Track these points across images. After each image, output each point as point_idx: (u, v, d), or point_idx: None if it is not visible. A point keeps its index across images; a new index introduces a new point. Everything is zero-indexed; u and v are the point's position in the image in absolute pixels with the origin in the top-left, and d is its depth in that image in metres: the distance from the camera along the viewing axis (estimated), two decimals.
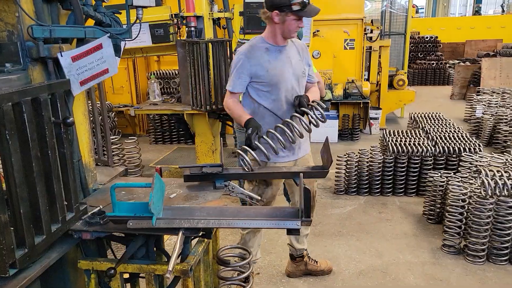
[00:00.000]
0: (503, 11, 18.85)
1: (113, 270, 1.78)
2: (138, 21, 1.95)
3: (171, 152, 6.73)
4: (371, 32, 7.08)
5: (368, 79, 7.58)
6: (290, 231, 1.86)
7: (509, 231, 3.34)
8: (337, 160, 4.86)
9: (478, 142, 4.76)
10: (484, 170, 3.48)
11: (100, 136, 2.67)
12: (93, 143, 2.42)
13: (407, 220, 4.21)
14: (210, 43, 4.23)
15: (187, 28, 4.41)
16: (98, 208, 1.87)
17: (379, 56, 7.49)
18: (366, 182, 4.81)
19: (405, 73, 8.10)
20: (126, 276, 2.26)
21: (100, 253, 2.03)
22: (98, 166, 2.63)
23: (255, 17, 4.27)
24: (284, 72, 2.60)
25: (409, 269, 3.33)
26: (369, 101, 6.87)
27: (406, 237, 3.84)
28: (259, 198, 2.31)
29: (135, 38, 1.97)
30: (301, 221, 1.82)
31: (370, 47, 7.38)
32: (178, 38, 4.70)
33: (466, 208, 3.52)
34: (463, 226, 3.54)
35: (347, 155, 4.84)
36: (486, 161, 4.10)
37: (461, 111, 8.54)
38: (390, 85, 8.07)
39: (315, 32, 6.74)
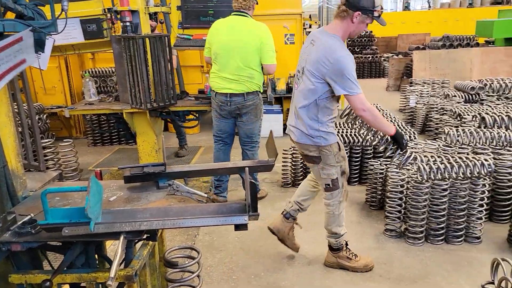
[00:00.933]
0: (429, 6, 20.17)
1: (48, 282, 1.65)
2: (63, 14, 1.80)
3: (112, 153, 6.46)
4: (310, 27, 7.21)
5: None
6: (238, 227, 1.83)
7: (444, 212, 3.56)
8: (283, 154, 4.90)
9: (413, 130, 5.02)
10: (419, 156, 3.67)
11: (29, 139, 2.47)
12: (22, 147, 2.23)
13: (352, 208, 4.34)
14: (147, 39, 4.08)
15: (122, 23, 4.22)
16: (29, 216, 1.72)
17: None
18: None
19: None
20: (66, 287, 2.11)
21: (34, 265, 1.88)
22: (29, 172, 2.43)
23: (194, 11, 4.19)
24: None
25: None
26: None
27: (352, 225, 3.96)
28: (205, 195, 2.26)
29: (61, 32, 1.82)
30: (248, 215, 1.79)
31: None
32: (113, 34, 4.48)
33: (405, 193, 3.70)
34: (402, 211, 3.71)
35: (292, 149, 4.90)
36: (421, 148, 4.33)
37: (396, 101, 8.99)
38: None
39: None
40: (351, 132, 5.03)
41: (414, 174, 3.60)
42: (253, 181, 1.78)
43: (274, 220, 3.44)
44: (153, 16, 4.80)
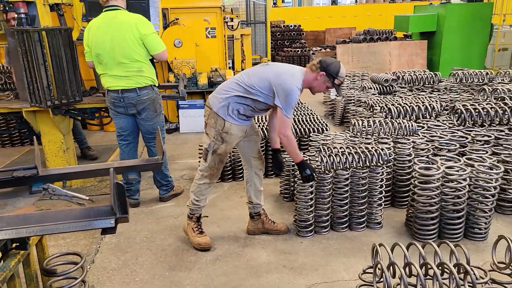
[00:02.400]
0: (356, 1, 21.02)
1: None
2: None
3: (22, 155, 6.04)
4: (232, 20, 7.20)
5: (233, 67, 7.72)
6: (105, 231, 1.76)
7: (346, 201, 3.72)
8: (199, 149, 4.86)
9: (326, 123, 5.19)
10: (322, 148, 3.79)
11: None
12: None
13: (266, 200, 4.39)
14: (44, 32, 3.82)
15: (16, 15, 3.91)
16: None
17: (242, 45, 7.67)
18: (230, 168, 4.91)
19: (269, 60, 8.46)
20: None
21: None
22: None
23: (98, 3, 3.98)
24: None
25: (263, 248, 3.49)
26: None
27: None
28: (86, 198, 2.16)
29: None
30: (115, 218, 1.73)
31: (232, 36, 7.51)
32: (7, 27, 4.15)
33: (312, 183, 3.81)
34: (310, 201, 3.82)
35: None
36: (330, 139, 4.49)
37: (321, 94, 9.26)
38: None
39: (174, 20, 6.61)
40: (265, 125, 5.09)
41: (319, 166, 3.72)
42: (119, 182, 1.72)
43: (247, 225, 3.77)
44: (55, 8, 4.52)
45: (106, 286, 2.96)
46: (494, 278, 2.36)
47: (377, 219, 3.84)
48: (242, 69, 7.85)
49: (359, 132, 4.50)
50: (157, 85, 4.07)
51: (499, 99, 5.23)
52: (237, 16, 7.32)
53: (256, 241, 3.60)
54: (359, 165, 3.63)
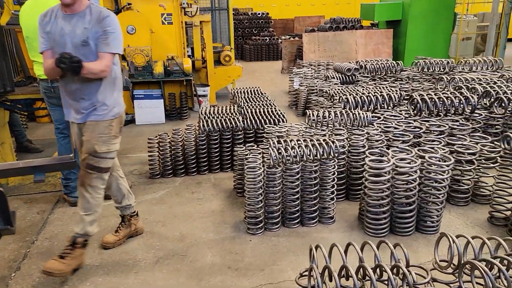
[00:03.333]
0: None
1: None
2: None
3: None
4: (190, 6, 6.89)
5: (192, 55, 7.44)
6: None
7: (297, 195, 3.57)
8: (148, 142, 4.61)
9: (283, 114, 5.02)
10: (271, 141, 3.62)
11: None
12: None
13: (218, 196, 4.22)
14: None
15: None
16: None
17: (202, 32, 7.39)
18: (182, 162, 4.69)
19: (232, 48, 8.21)
20: None
21: None
22: None
23: None
24: (61, 38, 2.76)
25: (208, 248, 3.31)
26: (191, 78, 6.74)
27: (213, 215, 3.84)
28: None
29: None
30: None
31: (191, 23, 7.21)
32: None
33: (262, 178, 3.63)
34: (261, 196, 3.65)
35: (158, 137, 4.62)
36: (285, 131, 4.33)
37: (287, 83, 9.10)
38: (219, 61, 8.10)
39: (126, 5, 6.27)
40: (221, 118, 4.88)
41: (268, 160, 3.55)
42: (1, 189, 1.48)
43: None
44: None
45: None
46: (437, 277, 2.25)
47: (330, 214, 3.72)
48: (203, 58, 7.58)
49: (314, 123, 4.35)
50: None
51: (457, 88, 5.18)
52: (195, 1, 7.01)
53: (202, 241, 3.41)
54: (309, 158, 3.48)
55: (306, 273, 2.27)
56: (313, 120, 4.34)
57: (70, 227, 3.60)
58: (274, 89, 9.60)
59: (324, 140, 3.58)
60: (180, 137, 4.67)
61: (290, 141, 3.62)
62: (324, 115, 4.38)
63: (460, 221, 3.67)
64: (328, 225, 3.64)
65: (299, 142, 3.59)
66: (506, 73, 6.17)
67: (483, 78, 5.70)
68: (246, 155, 4.04)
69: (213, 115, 5.05)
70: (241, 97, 6.04)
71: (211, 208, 3.96)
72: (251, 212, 3.54)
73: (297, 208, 3.61)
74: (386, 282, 2.03)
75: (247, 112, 5.07)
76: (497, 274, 2.08)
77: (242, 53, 13.84)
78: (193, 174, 4.74)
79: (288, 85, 8.68)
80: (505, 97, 4.55)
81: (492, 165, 3.86)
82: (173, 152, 4.64)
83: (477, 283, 2.05)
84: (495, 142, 3.92)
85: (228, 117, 4.89)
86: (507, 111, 4.58)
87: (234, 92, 6.37)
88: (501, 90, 4.73)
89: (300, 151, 3.45)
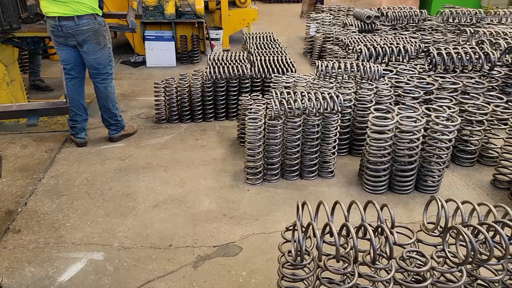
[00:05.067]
0: None
1: None
2: None
3: None
4: None
5: None
6: None
7: (298, 149, 3.55)
8: (154, 87, 4.58)
9: (293, 63, 4.87)
10: (274, 92, 3.55)
11: None
12: None
13: (221, 144, 4.25)
14: None
15: None
16: None
17: None
18: (188, 109, 4.68)
19: None
20: None
21: None
22: None
23: None
24: None
25: (206, 195, 3.38)
26: (204, 20, 6.53)
27: (214, 163, 3.88)
28: None
29: None
30: None
31: None
32: None
33: (262, 129, 3.61)
34: (261, 148, 3.65)
35: (164, 81, 4.58)
36: (292, 82, 4.22)
37: (305, 29, 8.76)
38: (234, 3, 7.79)
39: None
40: (228, 65, 4.77)
41: (270, 111, 3.50)
42: None
43: None
44: None
45: (32, 231, 2.86)
46: (423, 239, 2.26)
47: (330, 168, 3.71)
48: None
49: (322, 75, 4.22)
50: (100, 14, 3.69)
51: (479, 42, 4.89)
52: None
53: (201, 188, 3.48)
54: (312, 112, 3.42)
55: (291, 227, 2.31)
56: (322, 71, 4.21)
57: (74, 166, 3.71)
58: (291, 34, 9.29)
59: (329, 94, 3.49)
60: (187, 83, 4.62)
61: (294, 93, 3.54)
62: (334, 66, 4.24)
63: (462, 182, 3.63)
64: (327, 180, 3.66)
65: (303, 94, 3.51)
66: None
67: (510, 32, 5.34)
68: (250, 104, 3.99)
69: (221, 62, 4.94)
70: (252, 43, 5.86)
71: (213, 156, 4.01)
72: (250, 162, 3.56)
73: (297, 161, 3.61)
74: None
75: (256, 60, 4.94)
76: (483, 240, 2.07)
77: None
78: (198, 121, 4.74)
79: (305, 31, 8.37)
80: None
81: (503, 126, 3.73)
82: (179, 98, 4.62)
83: (461, 245, 2.05)
84: (510, 103, 3.76)
85: (236, 64, 4.78)
86: None
87: (246, 37, 6.18)
88: None
89: (303, 104, 3.38)
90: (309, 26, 7.47)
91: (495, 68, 4.32)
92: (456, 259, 2.03)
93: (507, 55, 4.51)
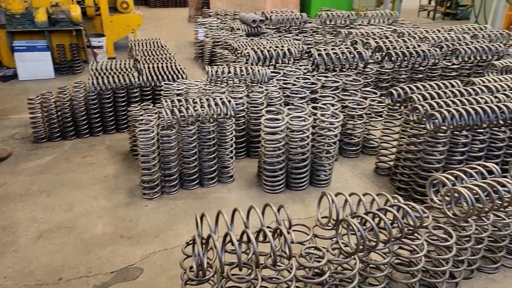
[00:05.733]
0: None
1: None
2: None
3: None
4: None
5: (83, 2, 6.67)
6: None
7: (195, 156, 3.48)
8: (28, 103, 4.11)
9: (183, 70, 4.78)
10: (164, 101, 3.43)
11: None
12: None
13: (113, 159, 3.98)
14: None
15: None
16: None
17: None
18: (71, 124, 4.29)
19: None
20: None
21: None
22: None
23: None
24: None
25: (99, 217, 3.13)
26: (82, 27, 6.08)
27: (106, 180, 3.62)
28: None
29: None
30: None
31: None
32: None
33: (156, 140, 3.46)
34: (156, 159, 3.49)
35: (40, 96, 4.13)
36: (183, 89, 4.13)
37: (192, 34, 8.70)
38: (115, 9, 7.40)
39: None
40: (113, 74, 4.49)
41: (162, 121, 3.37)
42: None
43: None
44: None
45: None
46: (318, 233, 2.37)
47: (230, 173, 3.71)
48: (95, 4, 6.84)
49: (214, 80, 4.21)
50: None
51: (353, 42, 5.34)
52: None
53: (93, 210, 3.21)
54: (206, 118, 3.38)
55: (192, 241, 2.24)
56: (213, 77, 4.19)
57: None
58: (180, 39, 9.16)
59: (221, 99, 3.48)
60: (67, 96, 4.24)
61: (186, 100, 3.46)
62: (224, 71, 4.25)
63: (350, 172, 3.91)
64: (228, 184, 3.65)
65: (195, 101, 3.45)
66: (399, 27, 6.51)
67: (378, 32, 5.93)
68: (141, 115, 3.81)
69: (106, 71, 4.63)
70: (139, 49, 5.62)
71: (104, 173, 3.73)
72: (146, 176, 3.39)
73: (195, 170, 3.53)
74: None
75: (144, 68, 4.74)
76: (370, 227, 2.24)
77: None
78: (85, 136, 4.38)
79: (194, 36, 8.32)
80: (394, 52, 4.80)
81: (380, 118, 4.11)
82: (59, 113, 4.21)
83: (353, 235, 2.19)
84: (383, 97, 4.16)
85: (123, 73, 4.53)
86: (396, 66, 4.85)
87: (132, 44, 5.90)
88: (391, 45, 4.98)
89: (196, 111, 3.32)
90: (197, 31, 7.43)
91: (368, 66, 4.75)
92: (349, 249, 2.15)
93: (376, 54, 4.99)
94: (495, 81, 3.70)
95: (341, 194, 2.31)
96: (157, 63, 4.96)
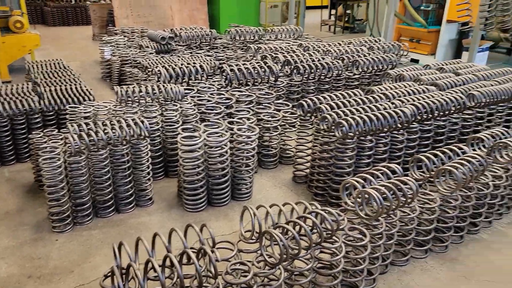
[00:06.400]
0: None
1: None
2: None
3: None
4: None
5: None
6: None
7: (109, 182, 3.29)
8: None
9: (90, 91, 4.53)
10: (72, 125, 3.21)
11: None
12: None
13: (14, 193, 3.61)
14: None
15: None
16: None
17: None
18: None
19: (23, 13, 6.97)
20: None
21: None
22: None
23: None
24: None
25: (2, 258, 2.81)
26: None
27: (8, 217, 3.27)
28: None
29: None
30: None
31: None
32: None
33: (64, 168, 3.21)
34: (65, 189, 3.23)
35: None
36: (91, 111, 3.91)
37: (97, 53, 8.30)
38: (8, 28, 6.79)
39: None
40: (9, 99, 4.10)
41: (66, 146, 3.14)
42: None
43: None
44: None
45: None
46: (243, 248, 2.37)
47: (148, 195, 3.57)
48: None
49: (124, 100, 4.04)
50: None
51: (263, 57, 5.51)
52: None
53: None
54: (118, 141, 3.22)
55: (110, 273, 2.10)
56: (122, 97, 4.03)
57: None
58: (86, 58, 8.70)
59: (133, 120, 3.35)
60: None
61: (95, 123, 3.27)
62: (135, 90, 4.11)
63: (270, 183, 3.99)
64: (147, 208, 3.51)
65: (105, 124, 3.28)
66: (304, 42, 6.88)
67: (285, 47, 6.21)
68: (44, 142, 3.52)
69: (0, 96, 4.21)
70: (39, 72, 5.21)
71: (5, 209, 3.37)
72: (55, 207, 3.13)
73: (110, 196, 3.34)
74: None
75: (45, 91, 4.40)
76: (292, 236, 2.30)
77: (43, 17, 12.01)
78: None
79: (99, 54, 7.96)
80: (302, 65, 5.05)
81: (293, 129, 4.28)
82: None
83: (276, 245, 2.23)
84: (294, 108, 4.34)
85: (20, 98, 4.15)
86: (304, 78, 5.11)
87: (29, 66, 5.45)
88: (298, 59, 5.23)
89: (107, 134, 3.15)
90: (103, 49, 7.11)
91: (279, 79, 4.94)
92: (273, 259, 2.19)
93: (285, 67, 5.21)
94: (391, 89, 4.07)
95: (262, 206, 2.35)
96: (60, 85, 4.64)
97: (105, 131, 3.16)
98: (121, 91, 4.04)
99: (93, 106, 4.00)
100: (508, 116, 4.41)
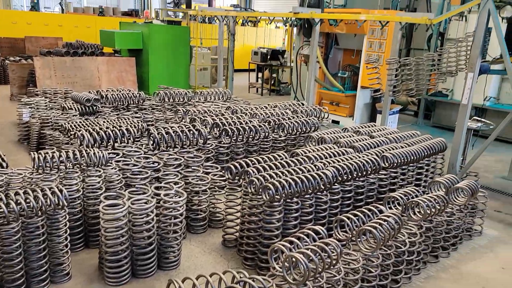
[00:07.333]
0: (62, 10, 19.44)
1: None
2: None
3: None
4: None
5: None
6: None
7: (20, 258, 2.99)
8: None
9: (3, 156, 4.20)
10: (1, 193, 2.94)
11: None
12: None
13: None
14: None
15: None
16: None
17: None
18: None
19: None
20: None
21: None
22: None
23: None
24: None
25: None
26: None
27: None
28: None
29: None
30: None
31: None
32: None
33: None
34: None
35: None
36: (2, 179, 3.61)
37: (15, 114, 7.83)
38: None
39: None
40: None
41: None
42: None
43: None
44: None
45: None
46: None
47: (65, 270, 3.29)
48: None
49: (42, 167, 3.80)
50: None
51: (192, 120, 5.58)
52: None
53: None
54: (31, 212, 2.98)
55: None
56: (40, 163, 3.79)
57: None
58: (1, 120, 8.13)
59: (51, 189, 3.14)
60: None
61: (6, 194, 3.02)
62: (54, 156, 3.90)
63: (199, 249, 3.89)
64: (63, 284, 3.22)
65: (17, 194, 3.03)
66: (232, 104, 7.12)
67: (214, 110, 6.36)
68: None
69: None
70: None
71: None
72: None
73: (20, 273, 3.02)
74: None
75: None
76: None
77: None
78: None
79: (17, 116, 7.51)
80: (230, 128, 5.18)
81: (222, 192, 4.29)
82: None
83: None
84: (223, 170, 4.38)
85: None
86: (232, 140, 5.23)
87: None
88: (227, 121, 5.37)
89: (19, 205, 2.91)
90: (21, 111, 6.73)
91: (207, 142, 5.00)
92: None
93: (214, 130, 5.32)
94: (314, 151, 4.31)
95: (188, 278, 2.27)
96: None
97: (18, 202, 2.92)
98: (38, 156, 3.81)
99: (5, 174, 3.71)
100: (418, 175, 4.85)
